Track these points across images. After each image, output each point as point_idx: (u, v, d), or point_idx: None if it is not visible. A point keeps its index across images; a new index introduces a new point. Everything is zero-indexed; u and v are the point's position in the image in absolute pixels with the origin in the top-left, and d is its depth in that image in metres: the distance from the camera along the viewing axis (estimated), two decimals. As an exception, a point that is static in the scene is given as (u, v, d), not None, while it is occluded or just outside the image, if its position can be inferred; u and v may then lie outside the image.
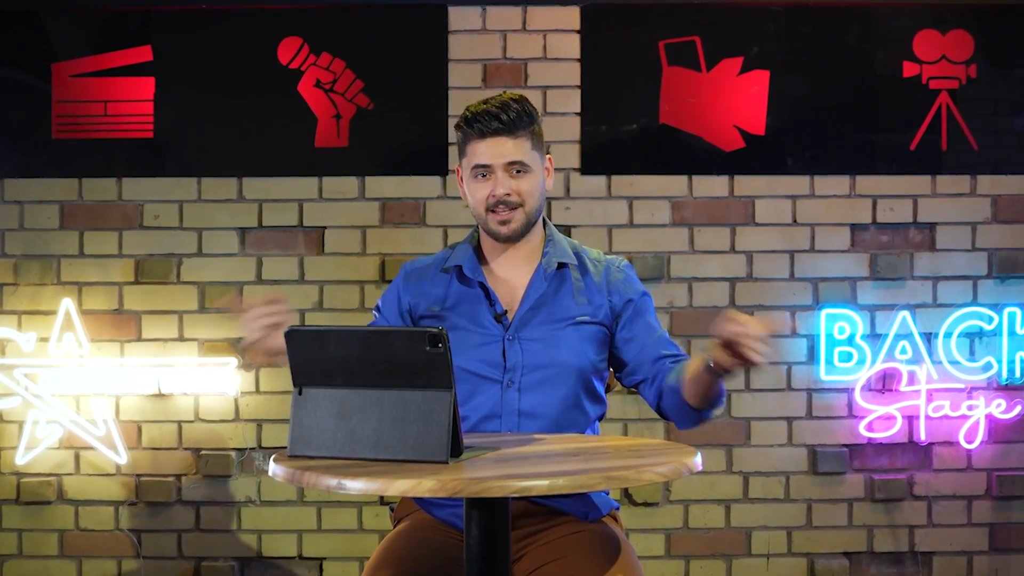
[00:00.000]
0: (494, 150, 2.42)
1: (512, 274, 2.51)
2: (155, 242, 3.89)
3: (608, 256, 2.59)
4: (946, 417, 3.86)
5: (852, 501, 3.89)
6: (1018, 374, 3.87)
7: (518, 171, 2.43)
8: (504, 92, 2.51)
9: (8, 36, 3.90)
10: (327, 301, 3.88)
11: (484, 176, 2.44)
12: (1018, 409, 3.86)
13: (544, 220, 2.55)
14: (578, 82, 3.90)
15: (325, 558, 3.89)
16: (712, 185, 3.90)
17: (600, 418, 2.55)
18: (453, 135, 3.80)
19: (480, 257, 2.54)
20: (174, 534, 3.88)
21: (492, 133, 2.41)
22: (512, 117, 2.42)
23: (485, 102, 2.45)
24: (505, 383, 2.41)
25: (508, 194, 2.42)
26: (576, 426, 2.45)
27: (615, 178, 3.90)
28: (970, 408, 3.86)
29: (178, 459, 3.88)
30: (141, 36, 3.88)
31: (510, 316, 2.46)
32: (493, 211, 2.44)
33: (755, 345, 2.10)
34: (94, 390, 3.83)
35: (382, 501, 3.84)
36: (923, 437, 3.86)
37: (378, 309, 2.58)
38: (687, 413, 2.41)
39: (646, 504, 3.89)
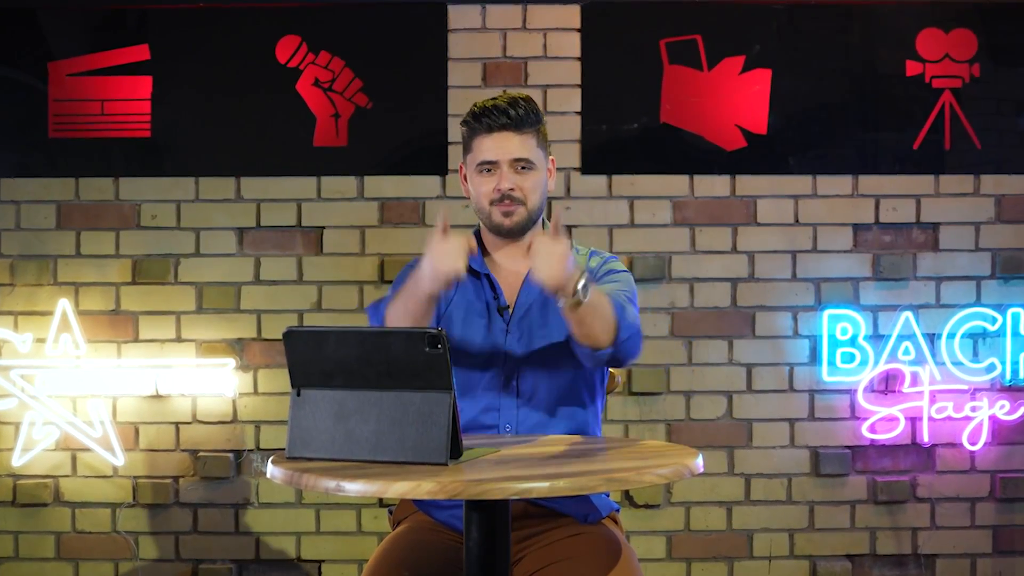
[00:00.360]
0: (500, 145, 2.46)
1: (512, 269, 2.54)
2: (152, 242, 3.87)
3: (594, 249, 2.64)
4: (949, 419, 3.84)
5: (854, 503, 3.87)
6: (1022, 375, 3.85)
7: (523, 167, 2.47)
8: (505, 91, 2.52)
9: (4, 35, 3.87)
10: (326, 302, 3.86)
11: (489, 171, 2.47)
12: (1022, 410, 3.84)
13: (544, 220, 2.59)
14: (579, 81, 3.88)
15: (324, 560, 3.87)
16: (713, 185, 3.88)
17: (600, 410, 2.57)
18: (452, 134, 3.83)
19: (483, 252, 2.57)
20: (172, 536, 3.86)
21: (499, 128, 2.45)
22: (520, 114, 2.46)
23: (493, 99, 2.49)
24: (505, 376, 2.44)
25: (512, 189, 2.46)
26: (575, 418, 2.48)
27: (616, 178, 3.88)
28: (973, 409, 3.84)
29: (176, 461, 3.86)
30: (138, 35, 3.86)
31: (511, 310, 2.48)
32: (496, 204, 2.45)
33: (541, 262, 2.14)
34: (91, 391, 3.81)
35: (381, 503, 3.83)
36: (926, 439, 3.83)
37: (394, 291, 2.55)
38: (578, 349, 2.34)
39: (647, 506, 3.87)
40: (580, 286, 2.15)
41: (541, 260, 2.14)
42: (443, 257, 2.20)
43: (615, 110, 3.87)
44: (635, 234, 3.88)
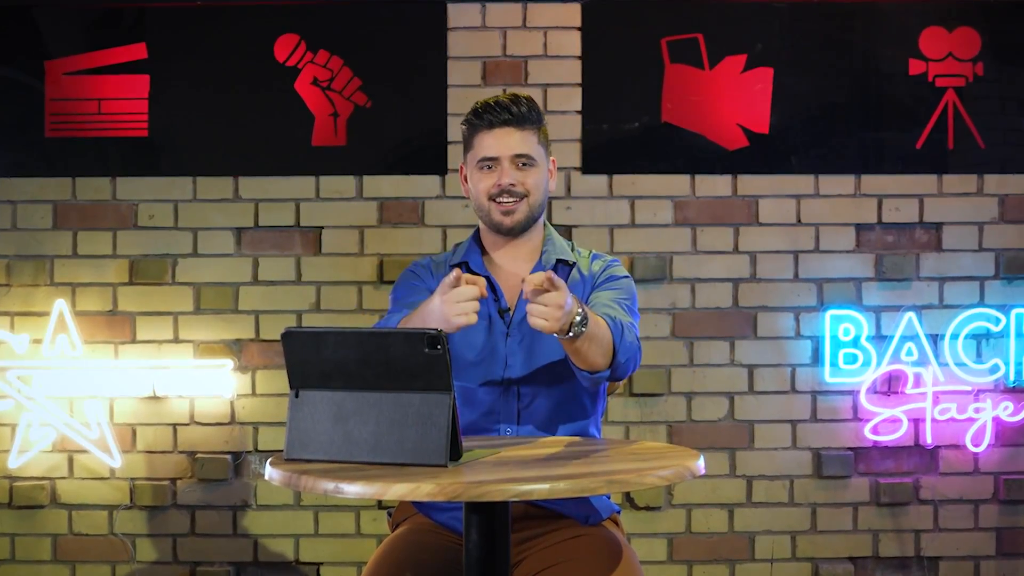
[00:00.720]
0: (502, 141, 2.46)
1: (513, 271, 2.53)
2: (150, 242, 3.84)
3: (596, 252, 2.63)
4: (952, 420, 3.82)
5: (857, 505, 3.84)
6: (1025, 376, 3.84)
7: (524, 163, 2.48)
8: (506, 90, 2.52)
9: (0, 33, 3.85)
10: (324, 302, 3.83)
11: (490, 168, 2.47)
12: (1025, 412, 3.83)
13: (544, 222, 2.59)
14: (579, 80, 3.86)
15: (322, 563, 3.84)
16: (715, 184, 3.86)
17: (600, 413, 2.56)
18: (452, 133, 3.81)
19: (482, 252, 2.57)
20: (169, 539, 3.83)
21: (501, 124, 2.46)
22: (523, 111, 2.47)
23: (494, 97, 2.50)
24: (505, 379, 2.42)
25: (513, 184, 2.46)
26: (575, 421, 2.47)
27: (616, 177, 3.86)
28: (977, 411, 3.82)
29: (173, 462, 3.84)
30: (135, 33, 3.84)
31: (511, 312, 2.47)
32: (496, 201, 2.47)
33: (534, 310, 2.11)
34: (88, 392, 3.79)
35: (380, 505, 3.80)
36: (929, 440, 3.81)
37: (396, 301, 2.53)
38: (575, 371, 2.34)
39: (648, 508, 3.84)
40: (577, 321, 2.13)
41: (537, 308, 2.11)
42: (455, 308, 2.14)
43: (616, 109, 3.85)
44: (636, 234, 3.85)
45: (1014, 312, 3.82)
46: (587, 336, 2.17)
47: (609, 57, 3.85)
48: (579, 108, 3.85)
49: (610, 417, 3.82)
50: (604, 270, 2.54)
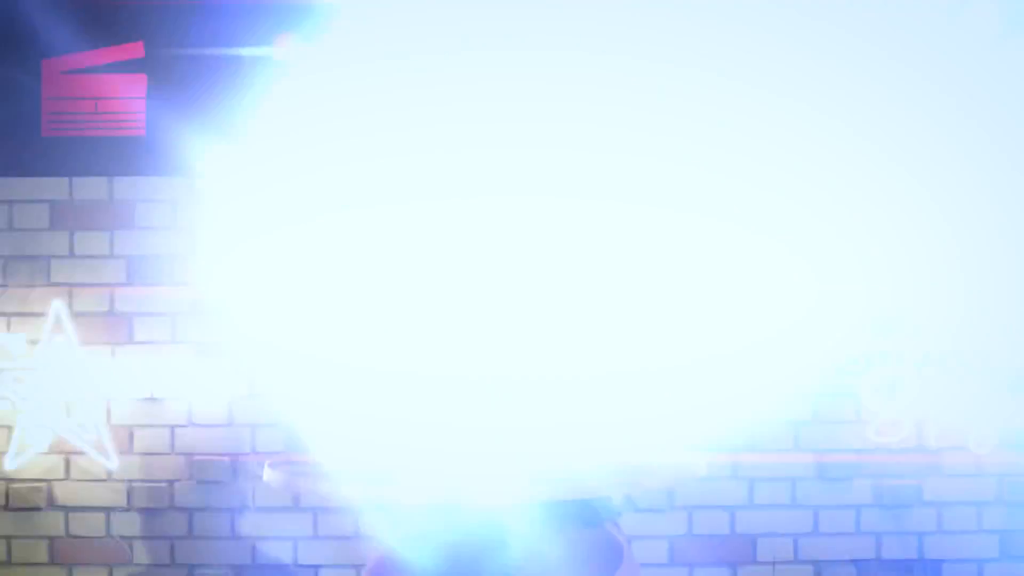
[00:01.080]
0: None
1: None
2: (148, 242, 3.83)
3: None
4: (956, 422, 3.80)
5: (860, 507, 3.83)
6: (1029, 377, 3.82)
7: None
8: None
9: (-3, 32, 3.85)
10: (323, 303, 3.82)
11: None
12: (1030, 413, 3.82)
13: None
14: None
15: (321, 565, 3.83)
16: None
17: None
18: (452, 132, 3.79)
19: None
20: (167, 541, 3.82)
21: None
22: None
23: None
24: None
25: None
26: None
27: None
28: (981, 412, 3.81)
29: (171, 464, 3.82)
30: (133, 32, 3.82)
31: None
32: None
33: None
34: (85, 394, 3.77)
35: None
36: (933, 442, 3.79)
37: None
38: None
39: (649, 510, 3.83)
40: None
41: None
42: None
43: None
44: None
45: (1018, 313, 3.82)
46: None
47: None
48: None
49: (611, 418, 3.80)
50: None
